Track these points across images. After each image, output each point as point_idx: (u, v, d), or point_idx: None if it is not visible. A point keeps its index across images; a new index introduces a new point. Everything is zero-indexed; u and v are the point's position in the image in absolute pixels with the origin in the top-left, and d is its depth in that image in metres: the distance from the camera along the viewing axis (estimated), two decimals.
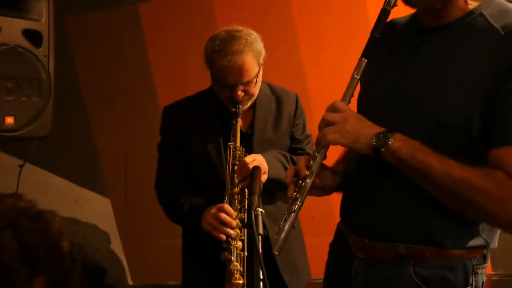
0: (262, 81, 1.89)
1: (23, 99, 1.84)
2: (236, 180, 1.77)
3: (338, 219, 1.41)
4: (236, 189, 1.78)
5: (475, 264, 1.19)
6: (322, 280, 1.46)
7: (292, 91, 2.03)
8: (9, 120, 1.80)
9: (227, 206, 1.74)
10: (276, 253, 1.23)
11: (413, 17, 1.32)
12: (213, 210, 1.74)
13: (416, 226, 1.18)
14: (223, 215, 1.72)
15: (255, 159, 1.75)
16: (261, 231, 1.10)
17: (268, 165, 1.79)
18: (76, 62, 3.09)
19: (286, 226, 1.21)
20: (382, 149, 1.13)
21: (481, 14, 1.15)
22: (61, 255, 1.26)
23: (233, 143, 1.79)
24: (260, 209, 1.13)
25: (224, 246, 1.73)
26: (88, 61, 3.10)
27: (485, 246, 1.20)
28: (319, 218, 2.71)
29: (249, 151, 1.83)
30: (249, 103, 1.86)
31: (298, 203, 1.22)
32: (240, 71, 1.74)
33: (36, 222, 1.22)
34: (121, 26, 3.12)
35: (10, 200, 1.24)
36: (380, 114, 1.21)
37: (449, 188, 1.09)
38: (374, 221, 1.24)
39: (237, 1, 3.04)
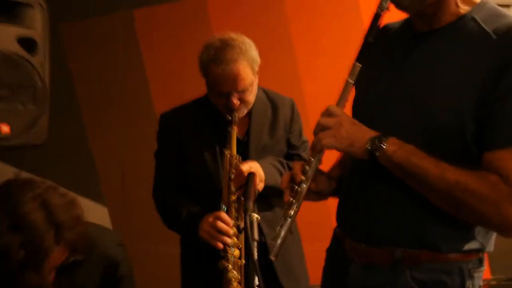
0: (258, 87, 1.90)
1: (19, 107, 1.83)
2: (233, 189, 1.77)
3: (335, 224, 1.41)
4: (233, 197, 1.78)
5: (471, 268, 1.19)
6: (320, 286, 1.46)
7: (288, 96, 2.04)
8: (5, 128, 1.80)
9: (224, 215, 1.74)
10: (273, 258, 1.23)
11: (406, 21, 1.33)
12: (210, 219, 1.74)
13: (412, 230, 1.18)
14: (219, 223, 1.72)
15: (251, 167, 1.75)
16: (256, 236, 1.10)
17: (265, 173, 1.79)
18: (71, 69, 3.08)
19: (283, 232, 1.21)
20: (377, 153, 1.14)
21: (473, 19, 1.15)
22: (81, 221, 1.40)
23: (229, 151, 1.80)
24: (256, 215, 1.13)
25: (222, 255, 1.73)
26: (84, 68, 3.09)
27: (481, 250, 1.20)
28: (317, 224, 2.70)
29: (245, 158, 1.83)
30: (245, 111, 1.86)
31: (294, 208, 1.22)
32: (235, 79, 1.74)
33: (62, 195, 1.39)
34: (116, 32, 3.11)
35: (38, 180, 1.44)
36: (374, 118, 1.22)
37: (444, 192, 1.09)
38: (370, 226, 1.24)
39: (232, 7, 3.05)
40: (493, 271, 3.10)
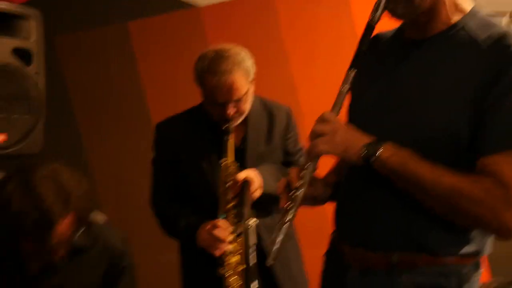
0: (254, 96, 1.91)
1: (15, 116, 1.84)
2: (229, 197, 1.78)
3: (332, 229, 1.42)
4: (230, 205, 1.78)
5: (468, 271, 1.20)
6: None
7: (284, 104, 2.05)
8: (1, 137, 1.80)
9: (221, 222, 1.75)
10: (271, 263, 1.23)
11: (398, 30, 1.34)
12: (208, 227, 1.76)
13: (408, 234, 1.19)
14: (217, 231, 1.72)
15: (248, 175, 1.77)
16: (252, 242, 1.10)
17: (263, 180, 1.81)
18: (67, 79, 3.09)
19: (279, 237, 1.21)
20: (372, 159, 1.14)
21: (464, 27, 1.17)
22: (88, 195, 1.53)
23: (226, 160, 1.80)
24: (253, 220, 1.14)
25: (220, 262, 1.74)
26: (79, 78, 3.10)
27: (477, 253, 1.20)
28: (315, 229, 2.70)
29: (242, 166, 1.84)
30: (240, 119, 1.87)
31: (290, 214, 1.22)
32: (229, 90, 1.76)
33: (72, 172, 1.53)
34: (111, 43, 3.13)
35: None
36: (368, 125, 1.22)
37: (440, 197, 1.10)
38: (366, 231, 1.25)
39: (226, 18, 3.07)
40: (494, 274, 3.10)
